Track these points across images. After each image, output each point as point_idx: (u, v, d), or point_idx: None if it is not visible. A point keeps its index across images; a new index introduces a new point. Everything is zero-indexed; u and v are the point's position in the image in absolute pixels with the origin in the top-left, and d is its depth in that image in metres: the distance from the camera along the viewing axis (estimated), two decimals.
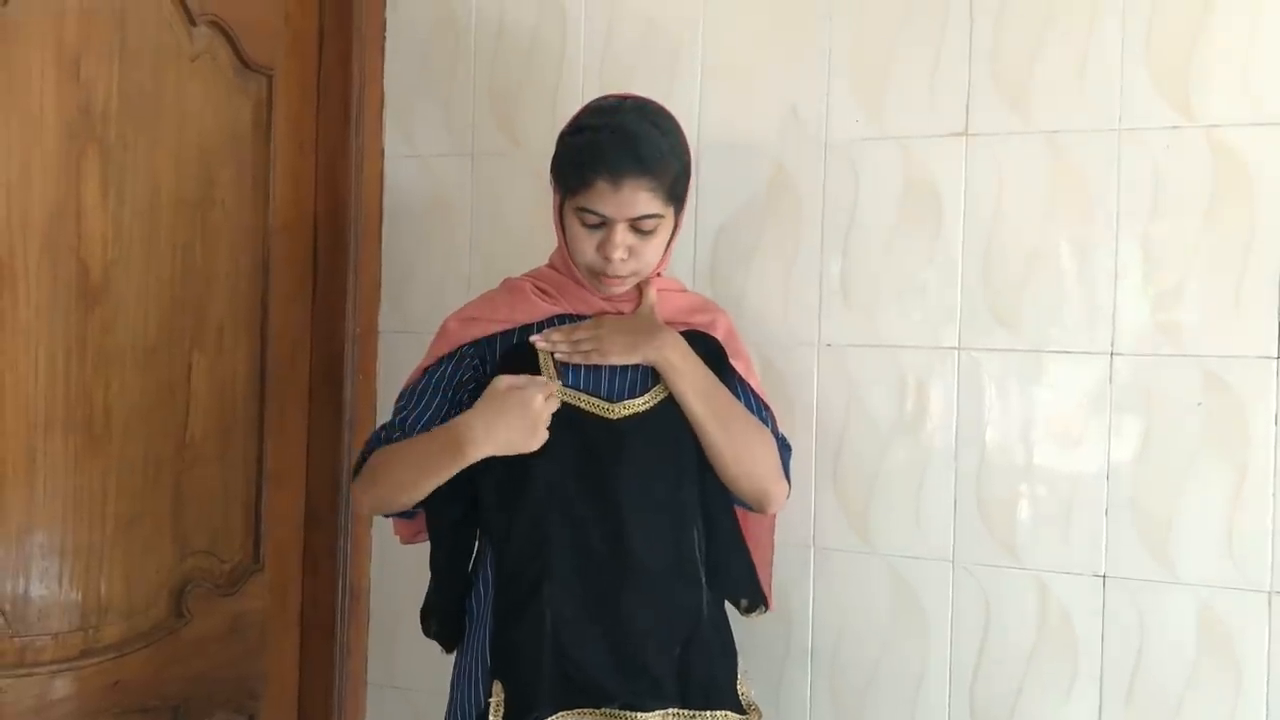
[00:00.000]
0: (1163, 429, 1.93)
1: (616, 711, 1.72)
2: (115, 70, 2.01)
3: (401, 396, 1.88)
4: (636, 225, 1.74)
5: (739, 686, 1.82)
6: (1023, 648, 2.00)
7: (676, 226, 1.83)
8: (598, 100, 1.85)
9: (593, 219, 1.74)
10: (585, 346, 1.78)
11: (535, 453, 1.73)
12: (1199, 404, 1.90)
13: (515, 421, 1.68)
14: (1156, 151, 1.93)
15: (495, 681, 1.75)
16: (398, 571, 2.42)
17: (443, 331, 1.89)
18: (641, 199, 1.72)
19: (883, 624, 2.08)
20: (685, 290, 1.97)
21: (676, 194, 1.78)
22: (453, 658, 1.90)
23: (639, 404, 1.78)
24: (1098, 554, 1.96)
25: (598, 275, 1.79)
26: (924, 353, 2.06)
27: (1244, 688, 1.87)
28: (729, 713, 1.77)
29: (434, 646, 1.93)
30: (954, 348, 2.05)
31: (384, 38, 2.45)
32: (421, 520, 1.92)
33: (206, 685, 2.23)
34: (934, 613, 2.05)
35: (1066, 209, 1.98)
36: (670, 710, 1.74)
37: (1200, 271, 1.91)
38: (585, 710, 1.73)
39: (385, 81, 2.45)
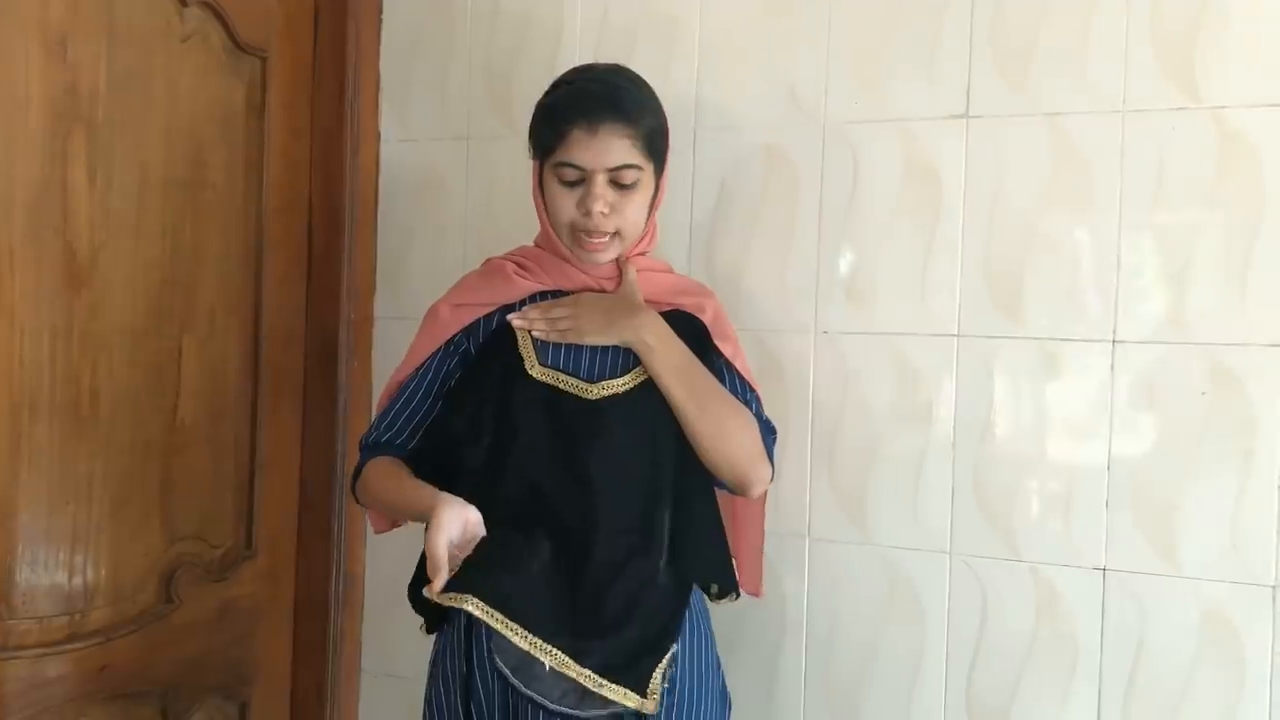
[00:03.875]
0: (1166, 419, 1.88)
1: (535, 640, 1.64)
2: (103, 51, 2.00)
3: (392, 391, 1.88)
4: (616, 178, 1.74)
5: (656, 673, 1.70)
6: (1020, 641, 1.96)
7: (658, 192, 1.82)
8: (572, 68, 1.88)
9: (571, 173, 1.74)
10: (562, 325, 1.76)
11: (513, 434, 1.72)
12: (1204, 393, 1.85)
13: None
14: (1162, 134, 1.88)
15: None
16: (392, 558, 2.40)
17: (435, 317, 1.87)
18: (619, 146, 1.72)
19: (878, 616, 2.04)
20: (672, 271, 1.94)
21: (655, 149, 1.77)
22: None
23: (619, 384, 1.76)
24: (1098, 546, 1.91)
25: (578, 236, 1.77)
26: (923, 340, 2.02)
27: (1247, 684, 1.83)
28: (629, 691, 1.68)
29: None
30: (953, 335, 2.00)
31: (380, 19, 2.43)
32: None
33: (197, 671, 2.22)
34: (930, 605, 2.01)
35: (1069, 193, 1.93)
36: (586, 672, 1.66)
37: (1206, 257, 1.86)
38: (508, 623, 1.63)
39: (381, 64, 2.43)
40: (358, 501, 1.93)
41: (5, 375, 1.89)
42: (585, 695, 1.68)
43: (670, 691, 1.73)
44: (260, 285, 2.30)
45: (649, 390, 1.76)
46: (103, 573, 2.05)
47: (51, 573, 1.97)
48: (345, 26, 2.37)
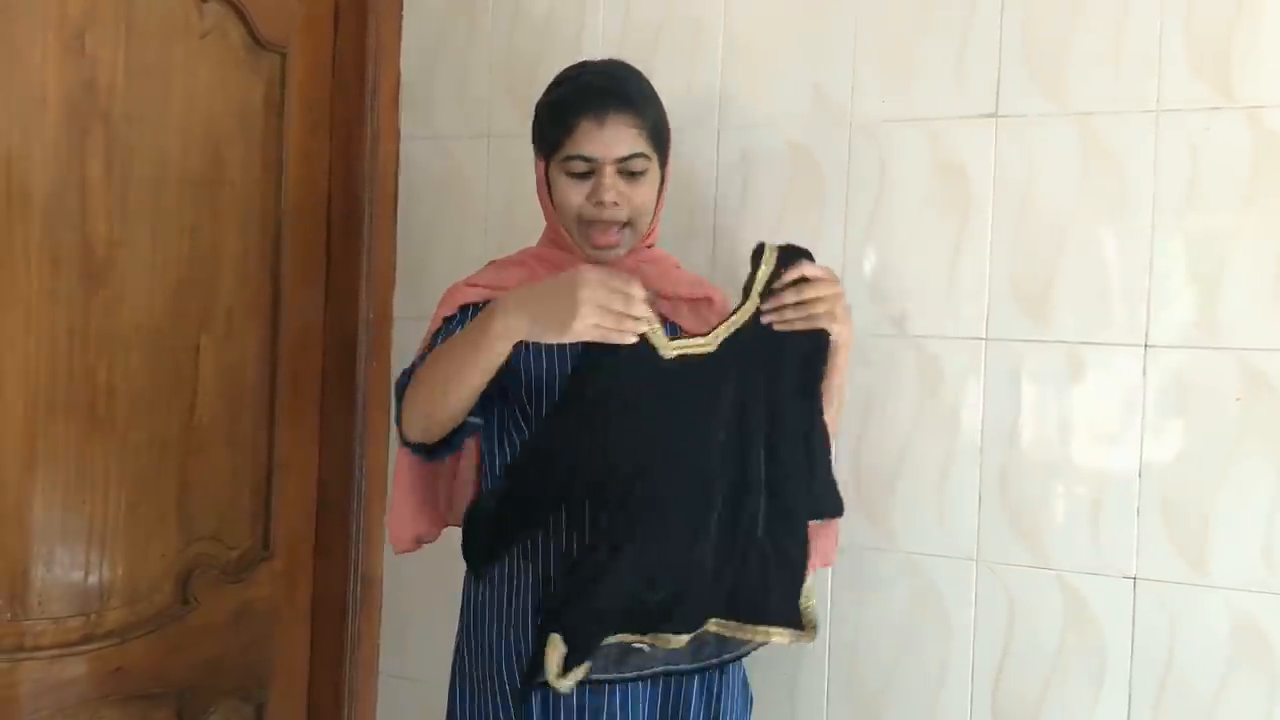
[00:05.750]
0: (1199, 425, 1.84)
1: (661, 635, 1.65)
2: (121, 46, 1.99)
3: (428, 340, 1.80)
4: (624, 167, 1.71)
5: (801, 601, 1.73)
6: (1048, 650, 1.92)
7: (664, 183, 1.79)
8: (568, 67, 1.85)
9: (580, 165, 1.71)
10: (820, 309, 1.65)
11: (627, 407, 1.60)
12: (1237, 399, 1.81)
13: (557, 298, 1.48)
14: (1195, 134, 1.84)
15: (553, 635, 1.59)
16: (412, 561, 2.36)
17: (452, 297, 1.83)
18: (626, 136, 1.70)
19: (903, 623, 2.01)
20: (681, 266, 1.91)
21: (660, 140, 1.75)
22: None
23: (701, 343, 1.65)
24: (1128, 555, 1.87)
25: (588, 228, 1.74)
26: (949, 343, 1.99)
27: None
28: (769, 627, 1.71)
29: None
30: (981, 338, 1.97)
31: (400, 16, 2.41)
32: (421, 528, 1.88)
33: (213, 673, 2.20)
34: (956, 613, 1.97)
35: (1100, 194, 1.89)
36: (713, 620, 1.68)
37: (1240, 260, 1.81)
38: (625, 634, 1.63)
39: (401, 61, 2.41)
40: (404, 440, 1.72)
41: (21, 373, 1.88)
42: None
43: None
44: (279, 284, 2.28)
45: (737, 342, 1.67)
46: (118, 573, 2.03)
47: (67, 573, 1.96)
48: (366, 23, 2.35)
